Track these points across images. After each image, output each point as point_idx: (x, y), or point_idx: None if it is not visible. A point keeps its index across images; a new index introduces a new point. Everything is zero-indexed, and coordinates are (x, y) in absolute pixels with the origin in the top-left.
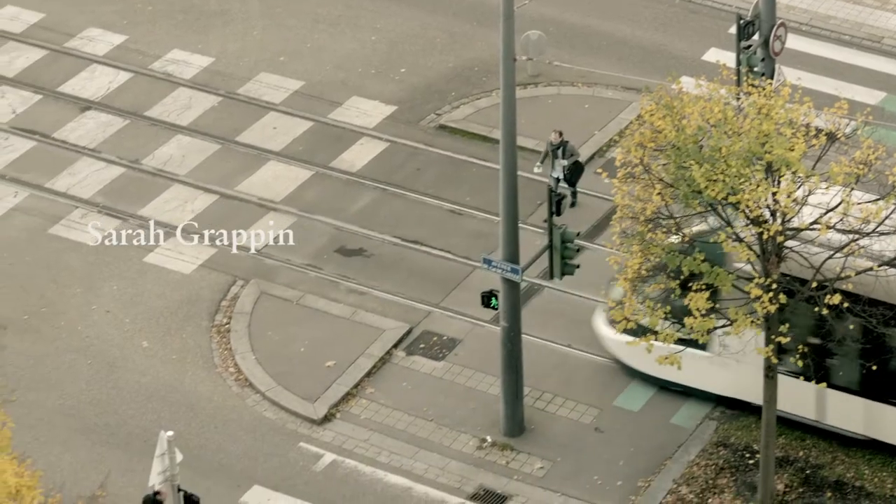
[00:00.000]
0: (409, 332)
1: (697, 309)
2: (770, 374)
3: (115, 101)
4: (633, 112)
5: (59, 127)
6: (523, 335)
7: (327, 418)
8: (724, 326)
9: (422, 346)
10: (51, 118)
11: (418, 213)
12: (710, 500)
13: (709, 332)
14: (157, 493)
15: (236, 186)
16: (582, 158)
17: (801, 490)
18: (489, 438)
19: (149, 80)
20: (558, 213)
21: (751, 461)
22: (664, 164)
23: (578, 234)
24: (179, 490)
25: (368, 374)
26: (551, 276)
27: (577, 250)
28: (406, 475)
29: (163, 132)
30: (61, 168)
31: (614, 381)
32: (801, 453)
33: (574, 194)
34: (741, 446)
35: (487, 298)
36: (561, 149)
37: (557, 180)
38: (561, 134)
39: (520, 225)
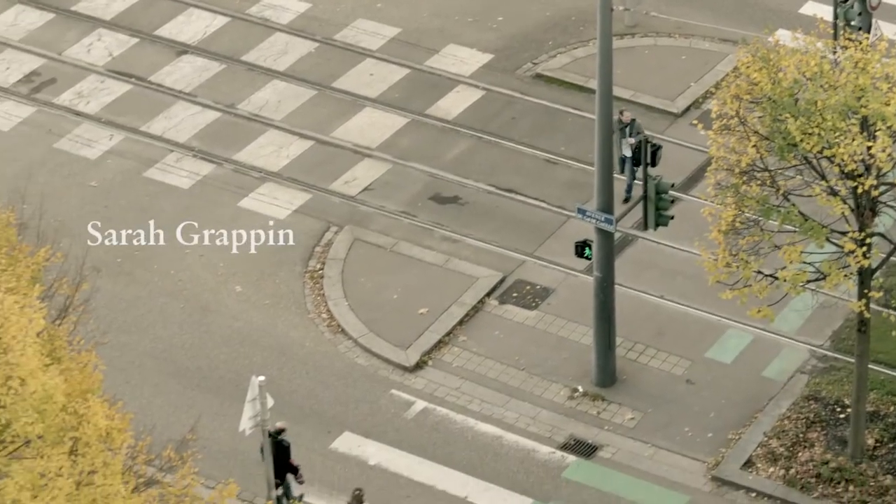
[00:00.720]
0: (502, 281)
1: (791, 262)
2: (862, 328)
3: (211, 46)
4: (730, 64)
5: (156, 70)
6: (616, 285)
7: (419, 366)
8: (816, 280)
9: (514, 294)
10: (147, 62)
11: (513, 161)
12: (799, 454)
13: (802, 285)
14: (280, 430)
15: (332, 133)
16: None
17: (891, 445)
18: (580, 388)
19: (245, 24)
20: (653, 164)
21: (841, 415)
22: (760, 117)
23: (673, 185)
24: (270, 435)
25: (461, 323)
26: (645, 227)
27: (672, 201)
28: (497, 424)
29: (259, 77)
30: (157, 112)
31: (706, 333)
32: (891, 408)
33: (634, 175)
34: (832, 400)
35: (581, 248)
36: (629, 127)
37: (623, 161)
38: (623, 112)
39: (614, 175)
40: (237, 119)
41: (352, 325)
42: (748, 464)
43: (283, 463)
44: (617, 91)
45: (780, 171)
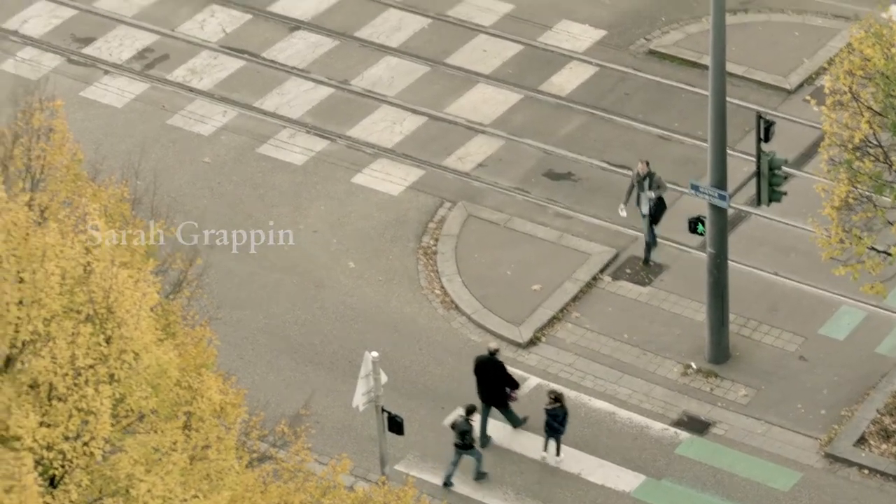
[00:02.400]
0: (615, 257)
1: None
2: None
3: (324, 22)
4: (843, 40)
5: (269, 47)
6: (729, 262)
7: (532, 342)
8: None
9: (628, 271)
10: (260, 38)
11: (626, 138)
12: None
13: None
14: (495, 350)
15: (445, 109)
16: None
17: None
18: (693, 365)
19: (358, 0)
20: (766, 140)
21: None
22: (873, 93)
23: (786, 161)
24: (383, 411)
25: (574, 299)
26: (758, 203)
27: (785, 177)
28: (610, 400)
29: (372, 53)
30: (270, 88)
31: (819, 309)
32: None
33: (654, 236)
34: None
35: (694, 224)
36: (647, 180)
37: (645, 217)
38: (648, 164)
39: (728, 151)
40: (350, 95)
41: (465, 301)
42: (861, 441)
43: (500, 381)
44: (730, 67)
45: (893, 146)
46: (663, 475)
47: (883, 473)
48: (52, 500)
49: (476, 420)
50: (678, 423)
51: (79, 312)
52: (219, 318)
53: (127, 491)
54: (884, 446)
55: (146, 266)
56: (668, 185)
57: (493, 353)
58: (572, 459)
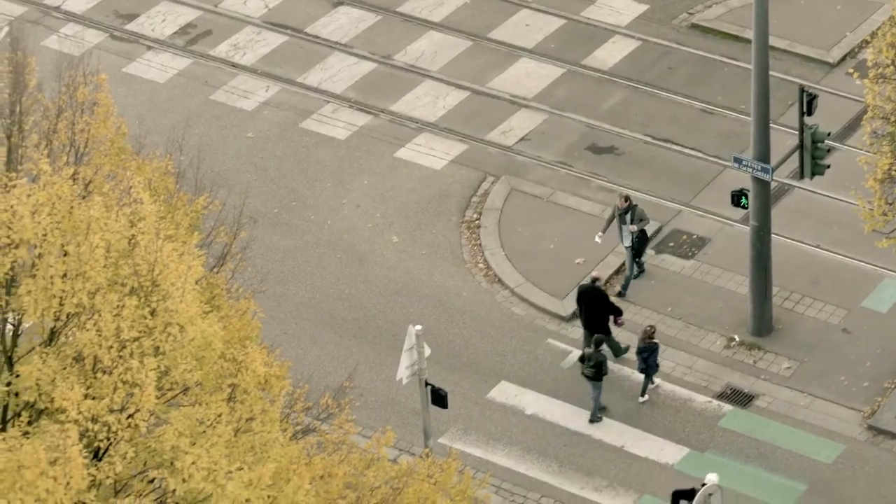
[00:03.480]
0: (658, 231)
1: None
2: None
3: None
4: (885, 13)
5: (312, 22)
6: (772, 235)
7: (574, 315)
8: None
9: (671, 244)
10: (303, 13)
11: (669, 111)
12: None
13: None
14: (596, 278)
15: (488, 83)
16: (650, 227)
17: None
18: (737, 338)
19: None
20: (809, 113)
21: None
22: None
23: (829, 135)
24: (427, 384)
25: (617, 272)
26: (801, 176)
27: (828, 150)
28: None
29: (414, 28)
30: (313, 63)
31: (862, 282)
32: None
33: (640, 265)
34: None
35: (737, 197)
36: (629, 213)
37: (627, 248)
38: (628, 199)
39: (770, 124)
40: (393, 70)
41: (508, 274)
42: None
43: (602, 309)
44: (773, 41)
45: None
46: (706, 448)
47: None
48: (97, 473)
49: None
50: (721, 396)
51: (123, 285)
52: (263, 291)
53: (171, 463)
54: None
55: (191, 239)
56: (711, 157)
57: (594, 281)
58: (615, 432)
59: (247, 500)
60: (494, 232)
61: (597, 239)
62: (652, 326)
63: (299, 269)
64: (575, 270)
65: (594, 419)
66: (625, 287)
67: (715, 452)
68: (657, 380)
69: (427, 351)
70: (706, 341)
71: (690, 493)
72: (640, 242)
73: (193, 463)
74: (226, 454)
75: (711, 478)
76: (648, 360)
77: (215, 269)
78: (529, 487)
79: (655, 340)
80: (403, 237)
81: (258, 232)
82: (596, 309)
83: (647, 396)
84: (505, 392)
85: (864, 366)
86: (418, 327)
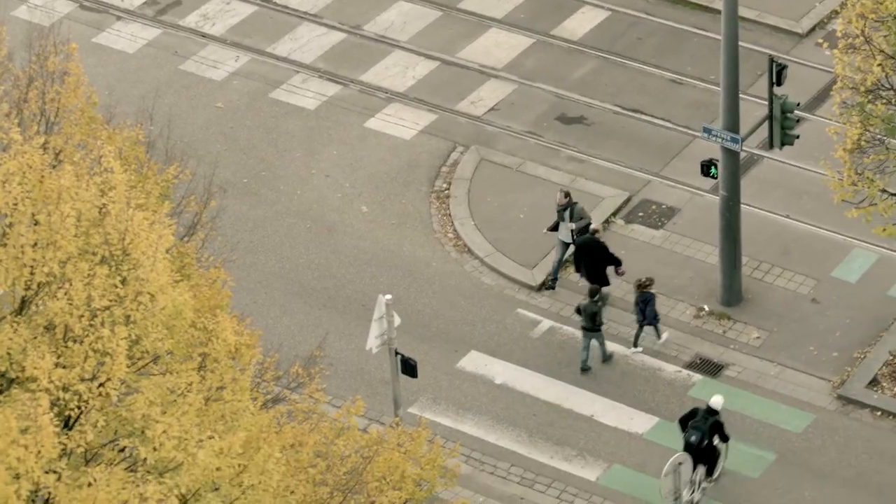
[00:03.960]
0: (628, 201)
1: None
2: None
3: None
4: None
5: None
6: (742, 205)
7: (545, 285)
8: None
9: (640, 214)
10: None
11: (639, 82)
12: None
13: None
14: (595, 230)
15: (457, 53)
16: (594, 222)
17: None
18: (706, 307)
19: None
20: (779, 83)
21: None
22: (885, 36)
23: (798, 105)
24: (397, 354)
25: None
26: (771, 146)
27: (797, 121)
28: (623, 342)
29: None
30: (282, 33)
31: (832, 252)
32: None
33: (557, 271)
34: None
35: (707, 167)
36: (568, 210)
37: (566, 245)
38: (568, 195)
39: (740, 95)
40: (363, 40)
41: (478, 244)
42: (873, 382)
43: (602, 260)
44: (742, 11)
45: None
46: (676, 417)
47: (895, 415)
48: (68, 441)
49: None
50: (691, 366)
51: (94, 254)
52: (233, 260)
53: (142, 432)
54: None
55: (161, 208)
56: (681, 128)
57: (593, 234)
58: (585, 401)
59: (217, 469)
60: (464, 202)
61: (545, 231)
62: (648, 278)
63: (269, 239)
64: (544, 240)
65: (584, 368)
66: (554, 279)
67: None
68: (664, 333)
69: (397, 320)
70: (676, 311)
71: (694, 414)
72: (579, 235)
73: (164, 432)
74: (196, 423)
75: (717, 399)
76: (646, 310)
77: (185, 239)
78: (499, 457)
79: (651, 290)
80: (373, 207)
81: (228, 202)
82: (595, 261)
83: (640, 348)
84: (474, 361)
85: (833, 336)
86: (388, 297)
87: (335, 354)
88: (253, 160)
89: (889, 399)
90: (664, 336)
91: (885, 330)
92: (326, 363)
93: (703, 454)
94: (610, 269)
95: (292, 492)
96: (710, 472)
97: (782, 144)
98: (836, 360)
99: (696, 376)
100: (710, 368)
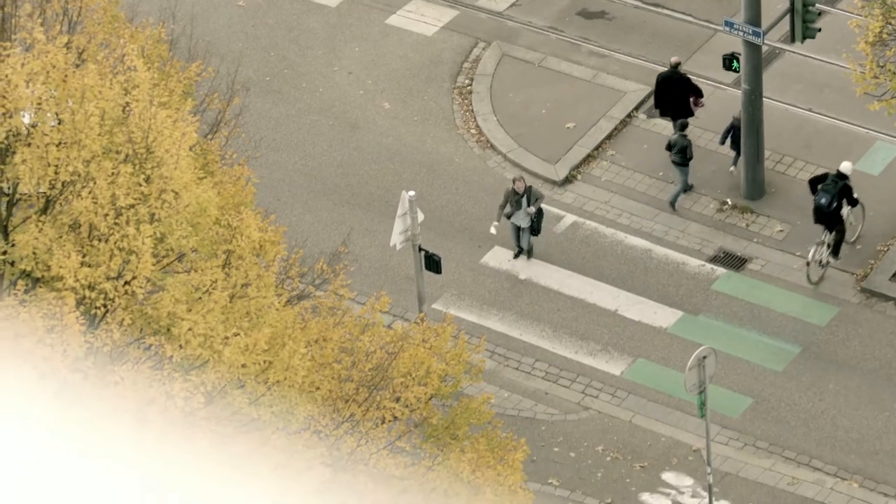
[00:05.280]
0: (650, 95)
1: None
2: None
3: None
4: None
5: None
6: (764, 98)
7: (568, 180)
8: None
9: None
10: None
11: None
12: None
13: None
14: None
15: None
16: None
17: None
18: (729, 201)
19: None
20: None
21: None
22: None
23: None
24: (421, 250)
25: (609, 137)
26: (792, 40)
27: (819, 14)
28: (646, 237)
29: None
30: None
31: (854, 144)
32: None
33: (530, 250)
34: None
35: (729, 61)
36: (525, 196)
37: (519, 230)
38: (523, 180)
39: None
40: None
41: (500, 140)
42: None
43: (686, 92)
44: None
45: None
46: (700, 311)
47: None
48: (94, 340)
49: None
50: (714, 260)
51: (118, 153)
52: (256, 157)
53: (168, 329)
54: None
55: (184, 106)
56: (702, 21)
57: (675, 66)
58: (609, 296)
59: (243, 366)
60: (486, 97)
61: (492, 231)
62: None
63: (292, 137)
64: (566, 135)
65: (673, 203)
66: (522, 245)
67: (708, 316)
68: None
69: (420, 216)
70: (699, 205)
71: (823, 178)
72: (538, 221)
73: (190, 329)
74: (222, 320)
75: (847, 165)
76: (733, 134)
77: (209, 136)
78: (523, 352)
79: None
80: (395, 104)
81: (250, 100)
82: (679, 93)
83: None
84: (498, 257)
85: (856, 228)
86: (411, 193)
87: (359, 251)
88: (275, 58)
89: None
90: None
91: None
92: (350, 259)
93: (831, 218)
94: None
95: (318, 388)
96: (836, 252)
97: (804, 38)
98: (859, 253)
99: (720, 270)
100: (733, 262)
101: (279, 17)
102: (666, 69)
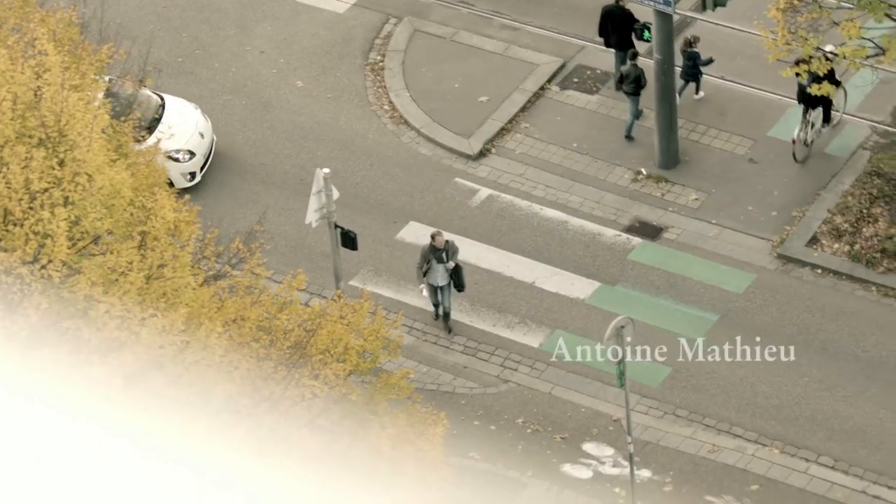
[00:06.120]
0: (562, 67)
1: (850, 38)
2: None
3: None
4: None
5: None
6: (676, 67)
7: (482, 153)
8: (876, 55)
9: (575, 80)
10: None
11: None
12: (864, 229)
13: (862, 60)
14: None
15: None
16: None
17: None
18: (644, 171)
19: None
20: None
21: None
22: None
23: None
24: (336, 227)
25: (523, 109)
26: (704, 8)
27: None
28: (562, 209)
29: None
30: None
31: (768, 111)
32: None
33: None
34: (895, 175)
35: (640, 31)
36: (444, 252)
37: (437, 290)
38: (442, 234)
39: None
40: None
41: (414, 115)
42: (813, 241)
43: (630, 25)
44: None
45: None
46: (617, 281)
47: (835, 272)
48: (11, 325)
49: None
50: (630, 229)
51: (31, 137)
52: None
53: (85, 313)
54: (836, 245)
55: (96, 89)
56: None
57: (618, 1)
58: (526, 268)
59: (160, 347)
60: (399, 73)
61: (423, 293)
62: (694, 36)
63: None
64: (480, 109)
65: (629, 135)
66: (445, 319)
67: (625, 285)
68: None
69: (335, 193)
70: (613, 175)
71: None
72: (457, 276)
73: (107, 312)
74: (138, 301)
75: (831, 47)
76: (695, 68)
77: (121, 118)
78: (442, 326)
79: (695, 48)
80: (308, 82)
81: (163, 81)
82: (622, 26)
83: (702, 93)
84: (414, 232)
85: (771, 195)
86: (326, 170)
87: (275, 229)
88: (187, 39)
89: (829, 256)
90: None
91: (822, 188)
92: (266, 238)
93: (819, 98)
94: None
95: (236, 367)
96: (826, 118)
97: (715, 6)
98: (775, 220)
99: (636, 239)
100: (649, 231)
101: None
102: (611, 2)
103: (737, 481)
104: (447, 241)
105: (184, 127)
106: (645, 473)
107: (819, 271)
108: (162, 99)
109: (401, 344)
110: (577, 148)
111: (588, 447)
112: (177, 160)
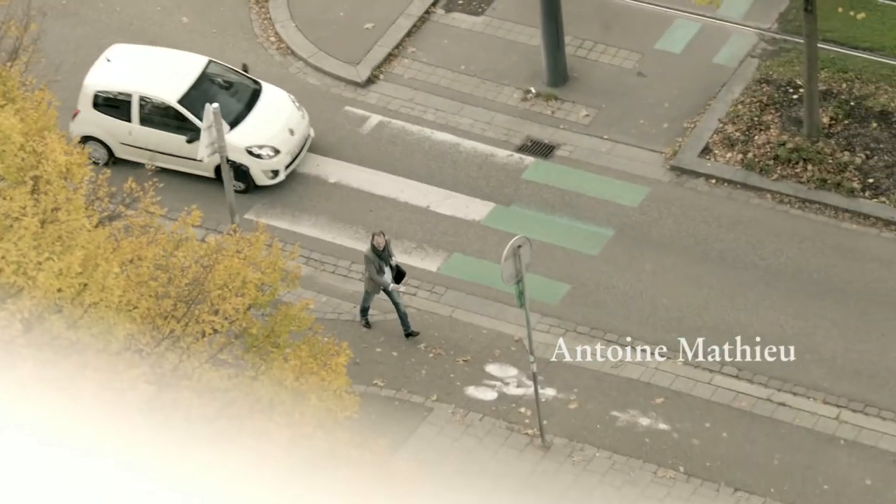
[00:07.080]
0: None
1: None
2: (808, 7)
3: None
4: None
5: None
6: None
7: (371, 80)
8: None
9: (460, 2)
10: None
11: None
12: (756, 137)
13: None
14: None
15: None
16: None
17: (846, 122)
18: (533, 90)
19: None
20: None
21: (794, 96)
22: None
23: None
24: (228, 161)
25: (409, 34)
26: None
27: None
28: (453, 131)
29: None
30: None
31: (653, 24)
32: (843, 86)
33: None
34: (784, 82)
35: None
36: (385, 251)
37: (390, 289)
38: (383, 234)
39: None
40: None
41: (300, 45)
42: (705, 151)
43: None
44: None
45: None
46: (512, 201)
47: (729, 181)
48: None
49: None
50: (522, 149)
51: None
52: (57, 80)
53: None
54: (728, 154)
55: None
56: None
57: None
58: (420, 193)
59: (58, 290)
60: (283, 4)
61: (401, 288)
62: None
63: (92, 58)
64: (366, 36)
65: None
66: (406, 325)
67: (520, 205)
68: None
69: (226, 128)
70: (503, 95)
71: None
72: (398, 274)
73: (2, 257)
74: (34, 246)
75: None
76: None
77: (8, 64)
78: (339, 255)
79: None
80: (193, 17)
81: (48, 24)
82: None
83: None
84: (307, 163)
85: (662, 107)
86: (215, 105)
87: (168, 169)
88: None
89: (722, 166)
90: None
91: (713, 98)
92: (160, 178)
93: None
94: None
95: (135, 306)
96: None
97: None
98: (666, 132)
99: (529, 158)
100: (541, 150)
101: None
102: None
103: (642, 395)
104: (388, 240)
105: (271, 123)
106: (550, 392)
107: (713, 181)
108: (259, 87)
109: (299, 275)
110: (466, 70)
111: (491, 368)
112: (259, 157)
